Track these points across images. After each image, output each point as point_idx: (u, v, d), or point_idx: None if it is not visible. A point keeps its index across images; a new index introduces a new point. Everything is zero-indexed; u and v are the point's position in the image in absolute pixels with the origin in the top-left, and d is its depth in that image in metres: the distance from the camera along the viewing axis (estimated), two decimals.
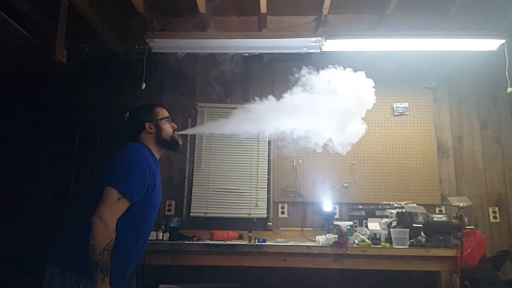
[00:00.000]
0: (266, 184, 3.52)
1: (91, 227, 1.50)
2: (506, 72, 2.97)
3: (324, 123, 2.37)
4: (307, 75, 2.50)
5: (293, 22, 3.20)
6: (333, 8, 2.95)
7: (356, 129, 2.49)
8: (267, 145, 3.60)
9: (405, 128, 3.62)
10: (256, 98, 2.43)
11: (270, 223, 3.44)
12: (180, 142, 1.95)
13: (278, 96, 2.43)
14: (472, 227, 2.86)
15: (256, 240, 3.06)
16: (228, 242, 3.00)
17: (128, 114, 1.94)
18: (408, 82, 3.69)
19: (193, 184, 3.51)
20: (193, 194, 3.49)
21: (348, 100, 2.39)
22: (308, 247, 2.80)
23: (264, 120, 2.30)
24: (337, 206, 3.44)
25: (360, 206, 3.35)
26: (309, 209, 3.49)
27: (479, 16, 3.03)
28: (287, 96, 2.42)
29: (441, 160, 3.57)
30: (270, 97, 2.42)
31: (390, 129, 3.62)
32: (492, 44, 3.01)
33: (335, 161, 3.50)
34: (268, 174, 3.54)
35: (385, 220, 3.02)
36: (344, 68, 2.53)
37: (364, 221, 3.11)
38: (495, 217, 3.43)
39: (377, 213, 3.21)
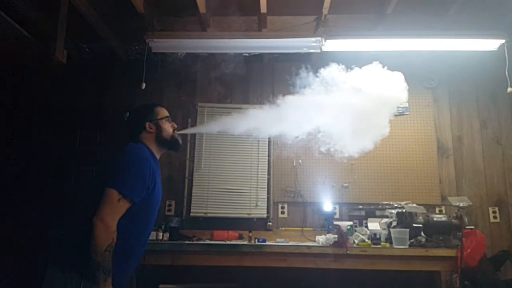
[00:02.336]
0: (266, 184, 3.51)
1: (92, 228, 1.50)
2: (506, 72, 2.97)
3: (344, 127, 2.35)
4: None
5: (293, 22, 3.20)
6: (333, 8, 2.95)
7: (378, 134, 2.46)
8: (267, 145, 3.60)
9: (405, 128, 3.62)
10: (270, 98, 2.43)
11: (270, 223, 3.44)
12: (180, 142, 1.95)
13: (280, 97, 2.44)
14: (472, 227, 2.85)
15: (256, 240, 3.06)
16: (228, 242, 3.00)
17: (128, 114, 1.94)
18: (408, 82, 3.67)
19: (193, 184, 3.51)
20: (193, 194, 3.48)
21: (373, 102, 2.36)
22: (308, 247, 2.79)
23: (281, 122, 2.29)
24: (337, 206, 3.44)
25: (360, 206, 3.35)
26: (309, 209, 3.49)
27: (479, 16, 3.03)
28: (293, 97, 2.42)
29: (441, 160, 3.57)
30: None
31: (390, 129, 3.60)
32: (492, 44, 3.01)
33: (335, 161, 3.48)
34: (268, 174, 3.54)
35: (385, 220, 3.02)
36: (347, 68, 2.54)
37: (364, 221, 3.11)
38: (495, 217, 3.43)
39: (377, 213, 3.21)
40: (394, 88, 2.45)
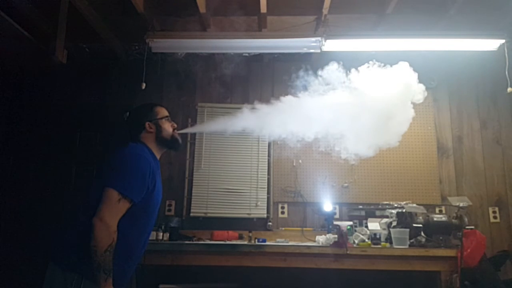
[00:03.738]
0: (266, 184, 3.51)
1: (92, 228, 1.50)
2: (506, 72, 2.97)
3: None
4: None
5: (293, 22, 3.20)
6: (333, 8, 2.95)
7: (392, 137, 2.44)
8: (267, 145, 3.59)
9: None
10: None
11: (270, 223, 3.44)
12: (180, 141, 1.95)
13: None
14: (472, 227, 2.85)
15: (256, 240, 3.05)
16: (228, 242, 3.00)
17: (128, 114, 1.94)
18: None
19: (193, 184, 3.51)
20: (193, 194, 3.48)
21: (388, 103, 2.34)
22: (308, 247, 2.79)
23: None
24: (337, 206, 3.44)
25: (360, 206, 3.35)
26: (309, 209, 3.49)
27: (479, 16, 3.03)
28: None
29: (441, 160, 3.56)
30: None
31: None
32: (492, 44, 3.01)
33: (335, 161, 3.49)
34: (268, 174, 3.54)
35: (385, 220, 3.02)
36: (346, 68, 2.53)
37: (364, 221, 3.11)
38: (495, 217, 3.43)
39: (377, 213, 3.21)
40: (407, 84, 2.43)
